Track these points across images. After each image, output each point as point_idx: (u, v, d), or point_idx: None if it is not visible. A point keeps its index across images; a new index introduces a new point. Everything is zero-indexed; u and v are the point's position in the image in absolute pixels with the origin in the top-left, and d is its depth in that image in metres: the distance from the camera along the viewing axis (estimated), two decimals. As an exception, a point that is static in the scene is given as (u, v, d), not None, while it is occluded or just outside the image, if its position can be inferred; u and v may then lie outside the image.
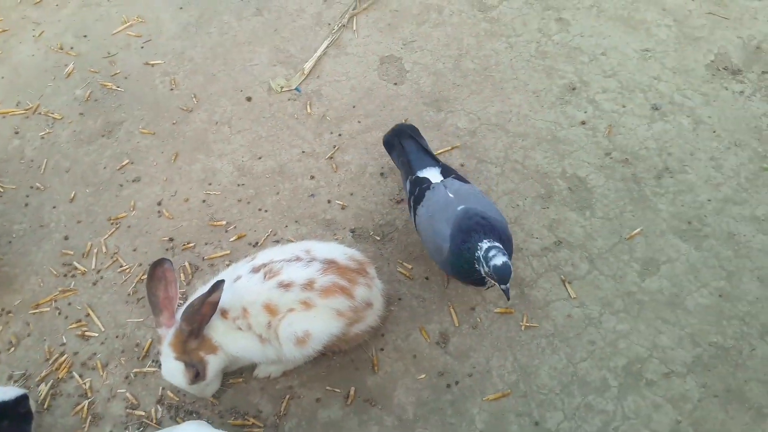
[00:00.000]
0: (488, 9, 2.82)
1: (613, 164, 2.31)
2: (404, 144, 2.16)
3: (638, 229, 2.14)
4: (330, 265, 1.78)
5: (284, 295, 1.74)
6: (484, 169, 2.35)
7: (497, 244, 1.70)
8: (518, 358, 1.90)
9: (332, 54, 2.74)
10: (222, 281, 1.71)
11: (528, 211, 2.23)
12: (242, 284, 1.79)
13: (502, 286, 1.68)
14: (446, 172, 2.05)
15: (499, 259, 1.66)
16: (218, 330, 1.78)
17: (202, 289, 1.80)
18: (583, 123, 2.44)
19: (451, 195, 1.91)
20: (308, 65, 2.72)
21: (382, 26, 2.80)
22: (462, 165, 2.36)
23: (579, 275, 2.07)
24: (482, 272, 1.71)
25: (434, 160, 2.11)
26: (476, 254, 1.71)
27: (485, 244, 1.70)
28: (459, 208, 1.84)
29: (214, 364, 1.78)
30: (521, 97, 2.53)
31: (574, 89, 2.54)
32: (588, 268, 2.08)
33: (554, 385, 1.84)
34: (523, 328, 1.95)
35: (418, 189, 1.99)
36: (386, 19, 2.82)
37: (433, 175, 2.03)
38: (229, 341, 1.79)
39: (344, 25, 2.83)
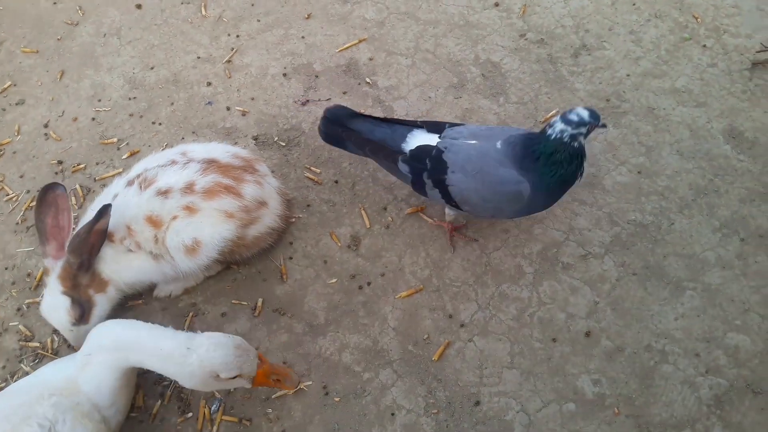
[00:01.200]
0: None
1: (528, 45, 2.10)
2: (354, 127, 1.71)
3: (554, 111, 1.96)
4: (210, 164, 1.58)
5: (165, 203, 1.55)
6: (394, 62, 2.12)
7: (554, 122, 1.42)
8: (430, 253, 1.75)
9: (226, -51, 2.41)
10: (109, 205, 1.50)
11: (440, 102, 2.02)
12: (120, 201, 1.58)
13: (602, 123, 1.44)
14: (432, 126, 1.65)
15: (576, 115, 1.40)
16: (107, 258, 1.58)
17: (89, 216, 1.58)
18: (497, 5, 2.20)
19: (473, 141, 1.55)
20: (200, -37, 2.39)
21: None
22: (371, 59, 2.13)
23: (494, 164, 1.90)
24: (582, 142, 1.43)
25: (403, 125, 1.69)
26: (563, 140, 1.41)
27: (556, 130, 1.42)
28: (499, 145, 1.51)
29: (101, 306, 1.59)
30: (432, -19, 2.27)
31: (487, -31, 2.28)
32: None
33: (467, 277, 1.71)
34: (434, 223, 1.80)
35: (429, 160, 1.58)
36: None
37: (424, 139, 1.62)
38: (122, 267, 1.60)
39: None
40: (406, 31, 2.18)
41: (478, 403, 1.55)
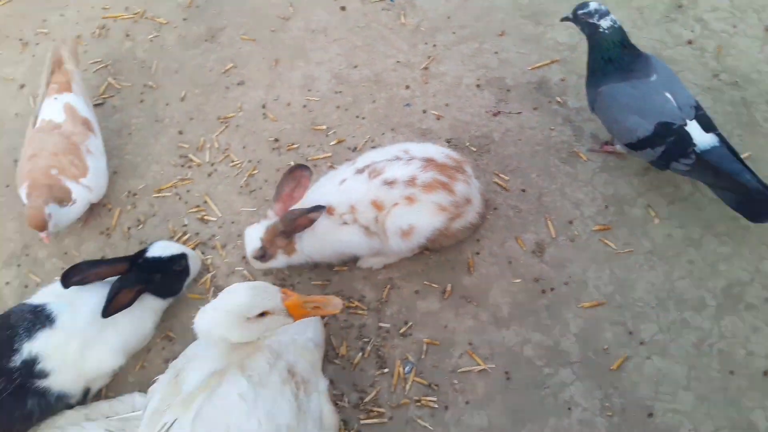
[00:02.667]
0: None
1: (721, 86, 2.09)
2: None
3: (746, 154, 1.94)
4: (429, 162, 1.72)
5: (390, 192, 1.70)
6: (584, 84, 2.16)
7: None
8: (615, 271, 1.80)
9: (430, -36, 2.53)
10: (323, 207, 1.70)
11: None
12: (349, 185, 1.75)
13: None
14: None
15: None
16: (320, 228, 1.75)
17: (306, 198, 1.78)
18: (690, 42, 2.20)
19: None
20: (406, -25, 2.52)
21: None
22: (562, 80, 2.19)
23: (682, 197, 1.91)
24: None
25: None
26: None
27: None
28: None
29: (279, 261, 1.85)
30: (624, 12, 2.29)
31: (680, 6, 2.28)
32: (690, 190, 1.92)
33: (650, 299, 1.74)
34: (620, 245, 1.84)
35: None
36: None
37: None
38: (331, 238, 1.78)
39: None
40: (596, 59, 2.22)
41: (651, 414, 1.59)
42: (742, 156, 1.76)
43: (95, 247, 2.10)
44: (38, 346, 1.64)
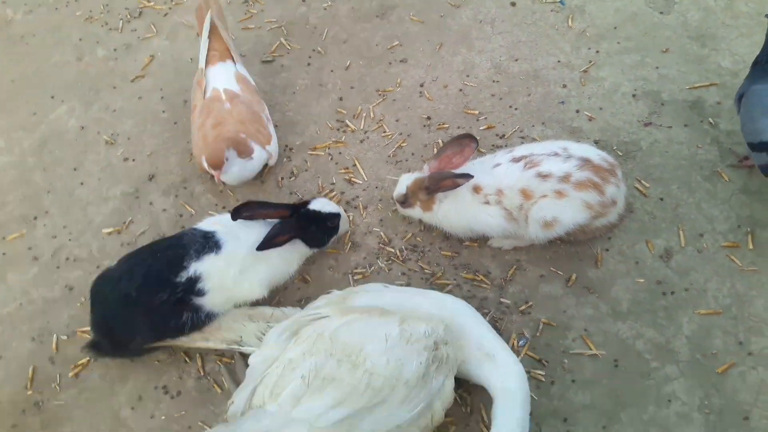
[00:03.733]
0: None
1: None
2: None
3: None
4: (586, 162, 2.32)
5: (541, 184, 2.31)
6: (740, 111, 2.73)
7: None
8: (736, 286, 2.35)
9: (605, -28, 3.20)
10: (471, 176, 2.32)
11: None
12: (502, 170, 2.39)
13: None
14: None
15: None
16: (459, 200, 2.42)
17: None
18: None
19: None
20: (580, -21, 3.20)
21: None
22: (718, 103, 2.77)
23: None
24: None
25: None
26: None
27: None
28: None
29: (416, 212, 2.54)
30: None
31: None
32: (831, 223, 2.43)
33: (766, 316, 2.28)
34: (746, 263, 2.39)
35: None
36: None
37: None
38: (466, 213, 2.43)
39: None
40: (760, 87, 2.78)
41: (747, 418, 2.12)
42: None
43: (249, 191, 2.90)
44: (203, 267, 2.28)
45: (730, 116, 2.72)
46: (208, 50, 2.88)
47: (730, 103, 2.76)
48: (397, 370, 1.90)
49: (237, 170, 2.71)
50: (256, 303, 2.44)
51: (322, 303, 2.17)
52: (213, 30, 2.90)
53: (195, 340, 2.38)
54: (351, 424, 1.89)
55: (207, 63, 2.86)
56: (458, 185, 2.37)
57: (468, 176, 2.33)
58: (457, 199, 2.43)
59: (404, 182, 2.54)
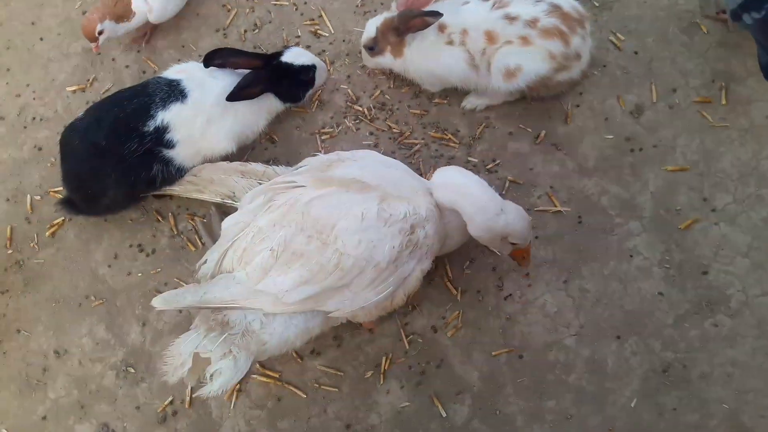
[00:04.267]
0: None
1: None
2: None
3: None
4: (555, 9, 2.22)
5: (507, 27, 2.23)
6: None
7: None
8: (704, 142, 2.33)
9: None
10: (441, 13, 2.23)
11: None
12: (470, 8, 2.29)
13: None
14: None
15: None
16: (425, 41, 2.32)
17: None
18: None
19: None
20: None
21: None
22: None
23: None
24: None
25: None
26: None
27: None
28: None
29: (386, 59, 2.43)
30: None
31: None
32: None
33: (732, 172, 2.28)
34: (717, 119, 2.35)
35: None
36: None
37: None
38: (431, 55, 2.34)
39: None
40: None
41: (705, 273, 2.18)
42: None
43: (211, 45, 2.77)
44: (170, 116, 2.26)
45: None
46: None
47: (717, -52, 2.59)
48: (368, 252, 1.82)
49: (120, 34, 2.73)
50: (227, 158, 2.41)
51: (304, 167, 2.10)
52: None
53: (190, 192, 2.39)
54: (316, 302, 1.88)
55: None
56: (428, 24, 2.28)
57: (438, 14, 2.24)
58: (423, 41, 2.35)
59: (373, 24, 2.41)
